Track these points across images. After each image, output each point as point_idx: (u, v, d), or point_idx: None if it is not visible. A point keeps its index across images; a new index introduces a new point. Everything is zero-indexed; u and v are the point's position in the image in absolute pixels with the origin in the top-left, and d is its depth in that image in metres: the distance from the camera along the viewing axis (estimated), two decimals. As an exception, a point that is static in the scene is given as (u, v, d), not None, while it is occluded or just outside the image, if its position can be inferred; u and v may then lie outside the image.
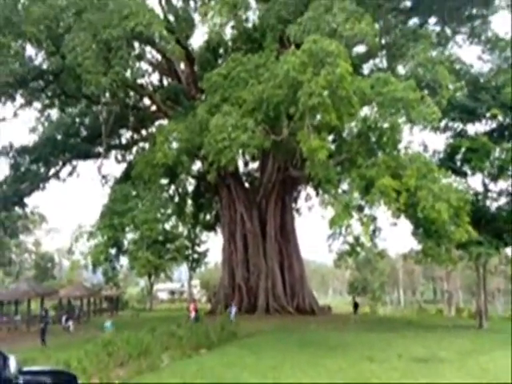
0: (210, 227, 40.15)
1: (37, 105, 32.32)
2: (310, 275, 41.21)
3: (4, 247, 43.01)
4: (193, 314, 21.46)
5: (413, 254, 21.44)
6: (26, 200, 32.26)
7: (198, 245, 43.66)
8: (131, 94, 33.92)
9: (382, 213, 18.47)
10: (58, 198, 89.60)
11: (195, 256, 43.92)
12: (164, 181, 32.17)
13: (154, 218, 20.02)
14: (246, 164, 37.69)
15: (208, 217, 40.48)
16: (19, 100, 29.14)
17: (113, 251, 27.21)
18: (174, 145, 22.28)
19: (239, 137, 15.83)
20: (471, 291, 53.73)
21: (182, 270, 54.09)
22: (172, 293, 59.87)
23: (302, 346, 14.51)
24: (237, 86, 18.47)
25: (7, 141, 30.32)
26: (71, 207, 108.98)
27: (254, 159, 37.02)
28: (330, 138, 20.82)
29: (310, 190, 35.80)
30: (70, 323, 22.74)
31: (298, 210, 37.95)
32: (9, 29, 22.09)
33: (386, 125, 15.70)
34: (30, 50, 26.03)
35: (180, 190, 38.55)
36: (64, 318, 23.98)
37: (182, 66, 31.21)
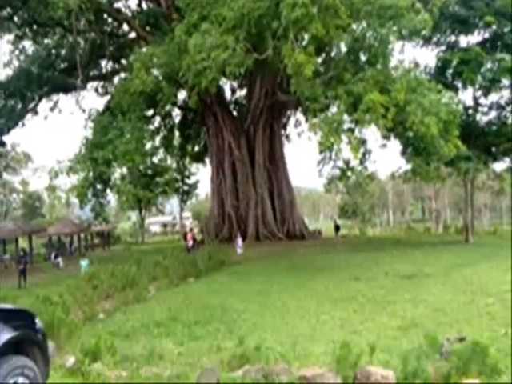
0: (198, 158, 39.46)
1: (9, 37, 30.26)
2: (300, 202, 41.49)
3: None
4: (190, 243, 21.49)
5: (401, 173, 21.10)
6: (5, 138, 31.20)
7: (188, 177, 43.21)
8: (109, 20, 31.57)
9: (372, 134, 17.81)
10: (42, 135, 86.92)
11: (185, 188, 43.65)
12: (149, 113, 31.05)
13: (134, 148, 19.09)
14: (232, 92, 36.16)
15: (196, 148, 39.58)
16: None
17: (99, 186, 26.67)
18: (154, 72, 20.93)
19: (219, 56, 14.55)
20: (459, 208, 55.03)
21: (173, 203, 54.27)
22: (164, 226, 60.64)
23: (290, 270, 14.57)
24: (216, 3, 16.74)
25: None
26: (56, 144, 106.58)
27: (241, 86, 35.47)
28: (318, 60, 19.56)
29: (299, 115, 34.85)
30: (60, 259, 22.74)
31: (287, 137, 37.17)
32: None
33: (374, 36, 14.37)
34: None
35: (166, 121, 37.38)
36: (53, 255, 23.98)
37: None
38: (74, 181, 20.93)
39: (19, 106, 30.36)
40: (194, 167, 43.40)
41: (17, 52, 32.10)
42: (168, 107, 35.36)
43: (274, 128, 30.10)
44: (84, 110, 32.84)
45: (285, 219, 27.86)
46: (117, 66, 34.12)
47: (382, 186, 63.19)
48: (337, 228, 27.20)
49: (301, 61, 12.76)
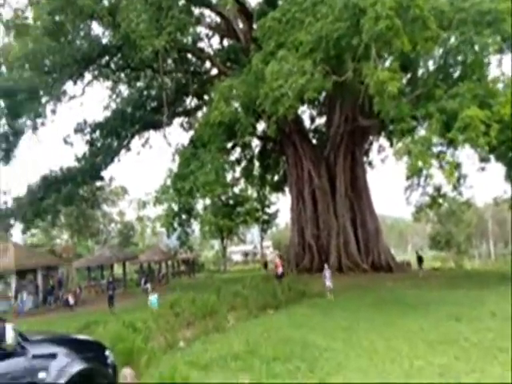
0: (277, 188, 39.56)
1: (108, 84, 33.77)
2: (386, 231, 39.15)
3: (92, 219, 46.30)
4: (280, 270, 21.13)
5: (506, 199, 18.75)
6: (104, 173, 34.13)
7: (268, 206, 43.41)
8: (192, 60, 33.80)
9: (466, 158, 16.18)
10: (136, 170, 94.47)
11: (265, 217, 43.80)
12: (229, 144, 32.08)
13: (214, 179, 19.45)
14: (311, 120, 36.10)
15: (276, 177, 39.81)
16: (87, 78, 30.45)
17: (184, 216, 27.69)
18: (233, 104, 21.52)
19: (296, 81, 14.39)
20: None
21: (253, 232, 54.73)
22: (245, 254, 61.22)
23: (377, 306, 13.35)
24: (292, 29, 16.75)
25: (82, 119, 31.26)
26: (149, 178, 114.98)
27: (320, 114, 35.35)
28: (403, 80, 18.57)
29: (382, 141, 33.51)
30: (148, 285, 23.73)
31: (370, 163, 35.79)
32: (70, 8, 22.20)
33: (469, 46, 13.06)
34: (96, 29, 26.85)
35: (246, 152, 38.33)
36: (143, 281, 25.12)
37: (241, 24, 29.90)
38: (160, 211, 21.81)
39: (115, 143, 33.22)
40: (274, 197, 43.61)
41: (114, 96, 35.55)
42: (247, 138, 36.44)
43: (356, 155, 29.11)
44: (170, 145, 34.88)
45: (369, 249, 26.30)
46: (200, 101, 36.03)
47: (480, 214, 57.49)
48: (419, 260, 24.96)
49: (384, 78, 11.95)
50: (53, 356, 3.57)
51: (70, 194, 28.82)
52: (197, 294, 14.33)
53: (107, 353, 4.25)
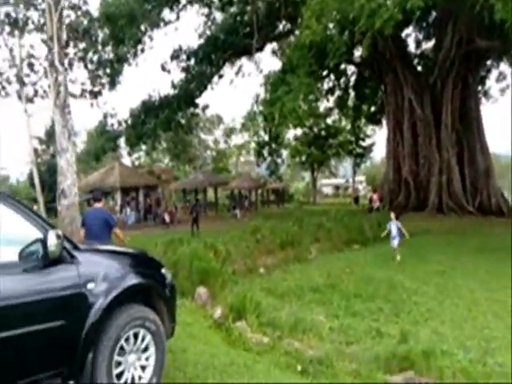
0: (374, 119, 36.71)
1: (203, 10, 32.91)
2: (499, 171, 34.64)
3: (189, 145, 48.33)
4: (377, 204, 20.14)
5: None
6: (199, 100, 34.58)
7: (363, 139, 40.92)
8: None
9: None
10: (231, 98, 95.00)
11: (359, 151, 41.53)
12: (322, 72, 29.88)
13: (301, 106, 18.19)
14: (417, 44, 31.80)
15: (372, 108, 36.83)
16: (182, 3, 29.84)
17: (273, 145, 27.24)
18: (326, 23, 19.37)
19: (399, -12, 12.17)
20: None
21: (346, 166, 52.82)
22: (337, 188, 59.86)
23: (481, 252, 11.82)
24: None
25: (177, 45, 31.29)
26: (243, 107, 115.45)
27: (428, 38, 30.90)
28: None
29: (504, 67, 28.53)
30: (237, 211, 24.35)
31: (485, 94, 31.07)
32: None
33: None
34: None
35: (340, 81, 35.68)
36: (232, 206, 25.85)
37: None
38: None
39: (208, 70, 33.03)
40: (369, 129, 40.84)
41: (208, 23, 34.68)
42: (343, 65, 33.68)
43: (469, 83, 25.15)
44: (261, 71, 33.64)
45: (477, 190, 23.45)
46: (292, 26, 33.59)
47: None
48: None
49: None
50: (104, 266, 3.22)
51: (167, 119, 29.81)
52: (281, 223, 14.11)
53: (164, 271, 3.90)
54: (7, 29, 22.06)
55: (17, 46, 22.13)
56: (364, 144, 41.85)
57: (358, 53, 31.46)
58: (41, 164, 35.01)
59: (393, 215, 11.40)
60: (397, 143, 26.06)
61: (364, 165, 49.80)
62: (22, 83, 22.03)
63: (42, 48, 24.38)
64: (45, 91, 24.67)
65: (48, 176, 35.03)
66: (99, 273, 3.16)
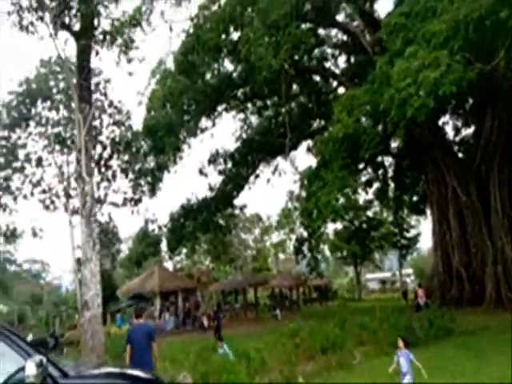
0: (417, 209, 35.69)
1: (239, 115, 35.57)
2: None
3: (229, 245, 48.51)
4: (422, 300, 18.57)
5: None
6: (236, 201, 35.44)
7: (407, 230, 39.48)
8: (318, 81, 33.44)
9: None
10: (268, 197, 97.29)
11: (404, 242, 39.84)
12: (359, 165, 30.28)
13: (335, 198, 18.03)
14: (456, 131, 31.95)
15: (414, 198, 36.10)
16: (218, 110, 32.47)
17: (312, 241, 26.70)
18: (358, 116, 19.98)
19: (428, 76, 12.42)
20: None
21: (392, 259, 50.49)
22: (383, 282, 56.59)
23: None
24: (423, 21, 14.73)
25: (213, 150, 33.19)
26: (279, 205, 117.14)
27: (467, 124, 31.12)
28: None
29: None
30: (278, 311, 23.17)
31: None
32: (198, 45, 23.97)
33: None
34: (226, 65, 28.67)
35: (378, 172, 35.85)
36: (272, 306, 24.69)
37: (368, 37, 28.61)
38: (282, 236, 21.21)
39: (244, 171, 34.35)
40: (413, 219, 39.60)
41: (245, 127, 37.05)
42: (380, 158, 34.06)
43: (515, 164, 24.37)
44: (297, 169, 34.47)
45: (538, 279, 21.23)
46: (325, 123, 35.14)
47: None
48: None
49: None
50: None
51: (205, 221, 30.40)
52: (322, 324, 13.04)
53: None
54: (57, 147, 24.54)
55: (65, 163, 24.37)
56: (408, 235, 40.32)
57: (394, 144, 32.01)
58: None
59: (401, 343, 7.79)
60: (443, 233, 24.75)
61: (410, 256, 47.42)
62: (69, 196, 23.70)
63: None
64: (89, 203, 26.42)
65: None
66: None
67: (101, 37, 9.57)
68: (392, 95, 13.59)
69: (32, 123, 26.01)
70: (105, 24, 9.78)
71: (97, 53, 9.82)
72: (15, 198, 24.65)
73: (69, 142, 25.18)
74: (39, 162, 25.79)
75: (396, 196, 35.50)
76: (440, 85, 12.21)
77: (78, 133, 9.20)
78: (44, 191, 25.64)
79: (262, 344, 10.99)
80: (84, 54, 9.66)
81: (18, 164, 25.64)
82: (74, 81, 10.40)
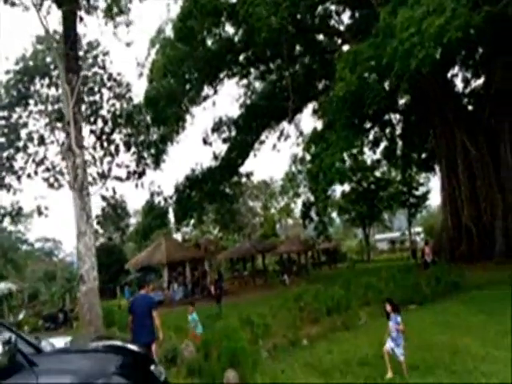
0: (426, 166, 35.00)
1: (243, 81, 34.53)
2: None
3: (237, 214, 48.55)
4: (429, 257, 18.46)
5: None
6: (242, 168, 35.07)
7: (416, 188, 38.91)
8: (322, 40, 32.08)
9: None
10: (276, 163, 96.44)
11: (413, 201, 39.38)
12: (366, 125, 29.51)
13: (340, 159, 17.56)
14: (466, 84, 30.69)
15: (423, 155, 35.35)
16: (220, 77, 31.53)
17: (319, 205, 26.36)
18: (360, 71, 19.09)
19: (432, 24, 11.67)
20: None
21: (401, 218, 50.23)
22: (392, 242, 56.59)
23: None
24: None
25: (216, 117, 32.49)
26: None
27: (477, 75, 29.88)
28: None
29: None
30: (285, 277, 23.30)
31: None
32: (195, 9, 22.88)
33: None
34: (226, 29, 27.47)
35: (386, 131, 35.01)
36: (280, 272, 24.83)
37: None
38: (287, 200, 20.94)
39: (249, 138, 33.73)
40: (422, 177, 38.96)
41: (248, 92, 36.06)
42: (387, 116, 33.10)
43: (526, 115, 23.45)
44: (301, 133, 33.74)
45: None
46: (330, 82, 34.00)
47: None
48: None
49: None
50: (71, 372, 2.90)
51: (211, 191, 30.22)
52: (329, 286, 12.98)
53: (153, 368, 3.33)
54: (58, 125, 24.21)
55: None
56: (417, 193, 39.82)
57: (402, 101, 30.99)
58: (97, 247, 36.37)
59: (388, 307, 7.05)
60: (452, 188, 24.27)
61: (420, 215, 47.07)
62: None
63: (91, 138, 26.39)
64: (94, 178, 26.26)
65: (105, 257, 36.18)
66: (63, 381, 2.73)
67: (84, 2, 9.05)
68: (395, 47, 12.87)
69: (31, 101, 25.62)
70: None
71: (81, 19, 9.34)
72: (19, 178, 24.56)
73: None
74: (41, 140, 25.56)
75: (404, 154, 34.75)
76: (445, 32, 11.47)
77: (66, 104, 8.88)
78: (48, 169, 25.59)
79: (267, 309, 10.98)
80: (68, 22, 9.19)
81: (20, 143, 25.46)
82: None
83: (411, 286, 11.88)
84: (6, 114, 25.11)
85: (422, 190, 40.24)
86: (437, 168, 31.42)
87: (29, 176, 25.18)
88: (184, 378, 7.65)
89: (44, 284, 30.82)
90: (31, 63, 24.42)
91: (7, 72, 23.95)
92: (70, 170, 8.77)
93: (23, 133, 25.42)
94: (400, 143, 34.92)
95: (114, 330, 11.35)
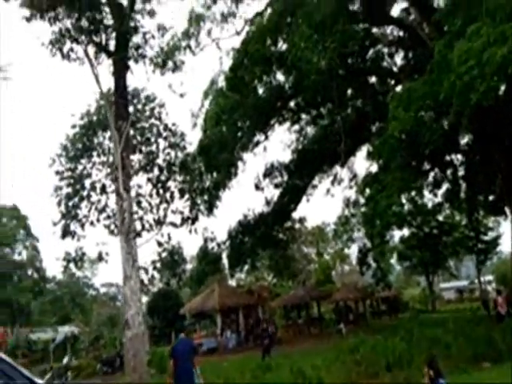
0: (495, 209, 32.34)
1: (294, 127, 34.90)
2: None
3: (290, 260, 47.52)
4: (503, 309, 16.57)
5: None
6: (294, 214, 34.51)
7: (484, 233, 36.03)
8: (374, 82, 31.90)
9: None
10: (331, 208, 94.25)
11: (481, 246, 36.33)
12: (425, 166, 28.28)
13: (397, 201, 16.62)
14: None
15: (490, 197, 32.88)
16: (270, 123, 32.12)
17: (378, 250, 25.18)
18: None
19: (494, 54, 11.01)
20: None
21: (469, 265, 46.35)
22: (460, 291, 51.89)
23: None
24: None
25: (268, 163, 32.71)
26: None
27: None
28: None
29: None
30: (342, 326, 21.89)
31: None
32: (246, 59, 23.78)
33: None
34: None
35: (447, 172, 33.24)
36: (336, 321, 23.44)
37: (427, 29, 26.78)
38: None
39: (301, 183, 33.44)
40: (491, 221, 36.15)
41: (301, 138, 36.22)
42: (448, 157, 31.48)
43: None
44: (355, 176, 32.93)
45: None
46: (385, 124, 33.23)
47: None
48: None
49: None
50: None
51: (263, 236, 29.89)
52: (389, 337, 11.84)
53: None
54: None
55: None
56: (487, 238, 36.74)
57: (464, 140, 29.46)
58: (155, 293, 36.87)
59: (426, 369, 5.76)
60: (527, 233, 22.04)
61: (490, 262, 43.12)
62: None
63: (148, 186, 27.53)
64: (150, 225, 27.09)
65: (162, 302, 36.51)
66: None
67: (133, 52, 9.63)
68: (453, 81, 12.21)
69: (94, 153, 27.44)
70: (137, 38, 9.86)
71: (127, 66, 9.88)
72: (83, 225, 25.90)
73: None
74: (103, 189, 27.05)
75: (469, 196, 32.49)
76: (509, 62, 10.73)
77: (115, 150, 9.21)
78: (109, 217, 26.81)
79: (320, 361, 10.15)
80: (118, 71, 9.77)
81: (84, 193, 27.06)
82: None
83: (484, 341, 10.48)
84: (72, 165, 27.09)
85: (491, 234, 37.23)
86: (507, 211, 28.98)
87: (91, 223, 26.54)
88: None
89: (108, 328, 31.46)
90: (95, 118, 26.45)
91: (73, 126, 26.08)
92: (118, 215, 8.91)
93: (87, 183, 27.22)
94: (463, 185, 32.84)
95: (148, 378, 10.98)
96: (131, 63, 9.96)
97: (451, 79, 12.44)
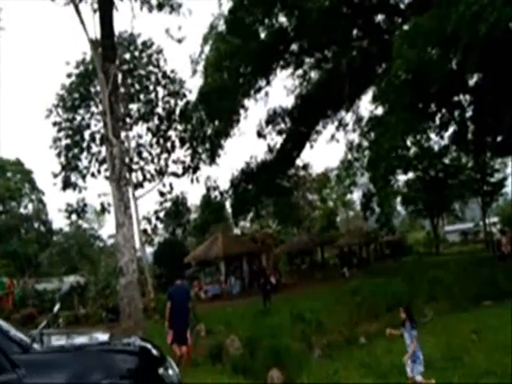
0: (501, 151, 31.69)
1: (298, 72, 33.51)
2: None
3: (295, 207, 47.67)
4: (507, 249, 16.64)
5: None
6: (298, 161, 34.10)
7: (490, 174, 35.56)
8: (381, 21, 30.24)
9: None
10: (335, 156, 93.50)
11: (487, 188, 36.01)
12: (431, 107, 27.33)
13: (401, 144, 16.14)
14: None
15: (498, 138, 32.06)
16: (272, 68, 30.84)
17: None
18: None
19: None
20: None
21: (474, 208, 46.31)
22: (464, 234, 52.33)
23: None
24: None
25: (269, 109, 31.72)
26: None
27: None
28: None
29: None
30: (345, 270, 22.34)
31: None
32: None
33: None
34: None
35: (454, 114, 32.21)
36: (340, 265, 23.87)
37: None
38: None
39: (304, 129, 32.68)
40: (497, 162, 35.57)
41: (304, 83, 34.91)
42: (456, 97, 30.37)
43: None
44: (360, 119, 32.09)
45: None
46: (390, 65, 31.81)
47: None
48: None
49: None
50: (62, 374, 2.53)
51: (267, 184, 29.71)
52: (390, 279, 11.93)
53: (161, 371, 2.82)
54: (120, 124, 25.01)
55: (126, 138, 24.80)
56: (493, 180, 36.33)
57: (473, 80, 28.27)
58: (161, 243, 37.40)
59: (403, 313, 5.97)
60: (533, 173, 21.67)
61: (496, 204, 43.02)
62: (131, 170, 24.24)
63: (148, 136, 27.04)
64: (152, 175, 26.87)
65: (169, 251, 37.14)
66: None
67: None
68: (462, 12, 11.36)
69: (92, 103, 26.74)
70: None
71: (112, 2, 9.15)
72: (84, 177, 25.83)
73: (127, 119, 25.57)
74: (103, 139, 26.62)
75: (476, 138, 31.70)
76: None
77: (102, 93, 8.75)
78: (111, 167, 26.65)
79: (321, 304, 10.26)
80: (104, 10, 9.07)
81: (84, 144, 26.68)
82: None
83: (486, 280, 10.49)
84: (69, 116, 26.46)
85: (497, 176, 36.74)
86: (515, 151, 28.35)
87: (93, 175, 26.40)
88: (229, 376, 7.22)
89: (115, 278, 32.14)
90: (90, 67, 25.47)
91: (69, 75, 25.17)
92: (108, 161, 8.64)
93: (86, 134, 26.72)
94: (471, 126, 31.93)
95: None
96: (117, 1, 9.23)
97: (460, 10, 11.56)
